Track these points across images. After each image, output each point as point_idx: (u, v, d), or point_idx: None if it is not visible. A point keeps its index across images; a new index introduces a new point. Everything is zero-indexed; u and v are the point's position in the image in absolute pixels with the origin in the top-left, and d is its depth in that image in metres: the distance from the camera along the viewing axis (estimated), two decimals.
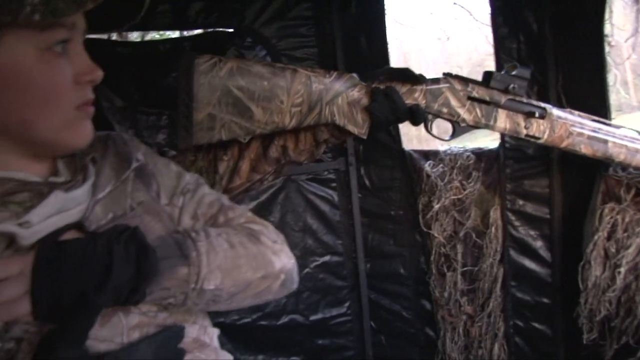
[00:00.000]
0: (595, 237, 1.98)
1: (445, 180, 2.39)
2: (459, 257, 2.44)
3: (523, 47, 2.18)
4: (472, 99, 1.44)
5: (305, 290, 2.58)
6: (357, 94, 1.35)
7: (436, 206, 2.42)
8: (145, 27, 2.61)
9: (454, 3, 7.01)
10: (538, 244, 2.29)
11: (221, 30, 2.47)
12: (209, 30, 2.50)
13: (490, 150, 2.38)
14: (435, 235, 2.46)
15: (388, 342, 2.71)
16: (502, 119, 1.47)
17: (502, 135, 2.26)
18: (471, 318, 2.49)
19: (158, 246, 0.76)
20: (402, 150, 2.53)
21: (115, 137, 0.90)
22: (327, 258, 2.65)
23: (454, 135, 1.49)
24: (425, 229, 2.49)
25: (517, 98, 1.47)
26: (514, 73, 1.45)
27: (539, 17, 2.10)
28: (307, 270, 2.59)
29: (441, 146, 2.54)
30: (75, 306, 0.66)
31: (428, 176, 2.44)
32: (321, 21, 2.54)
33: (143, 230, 0.78)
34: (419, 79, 1.39)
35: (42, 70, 0.68)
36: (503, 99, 1.45)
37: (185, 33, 2.87)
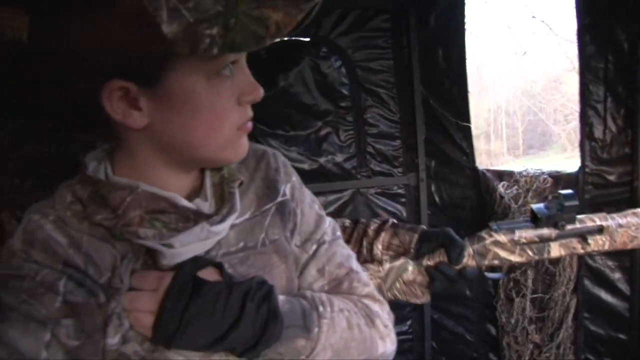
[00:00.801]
0: None
1: (520, 202, 2.31)
2: (529, 283, 2.34)
3: (611, 67, 2.08)
4: (521, 244, 1.41)
5: None
6: (411, 275, 1.43)
7: None
8: None
9: (533, 17, 6.82)
10: (616, 275, 2.17)
11: (297, 39, 2.48)
12: (285, 38, 2.51)
13: (569, 174, 2.27)
14: None
15: None
16: (556, 249, 1.43)
17: (582, 158, 2.17)
18: (538, 348, 2.39)
19: (286, 312, 0.77)
20: (475, 169, 2.46)
21: (270, 159, 0.90)
22: None
23: (508, 273, 1.45)
24: None
25: (569, 226, 1.40)
26: (558, 209, 1.38)
27: (631, 35, 2.00)
28: None
29: (516, 166, 2.46)
30: (190, 343, 0.69)
31: (501, 197, 2.36)
32: (398, 33, 2.52)
33: (268, 269, 0.81)
34: (462, 254, 1.41)
35: (210, 94, 0.69)
36: (553, 234, 1.40)
37: None
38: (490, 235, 1.42)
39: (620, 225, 1.40)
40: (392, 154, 2.58)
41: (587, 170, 2.16)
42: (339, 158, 2.54)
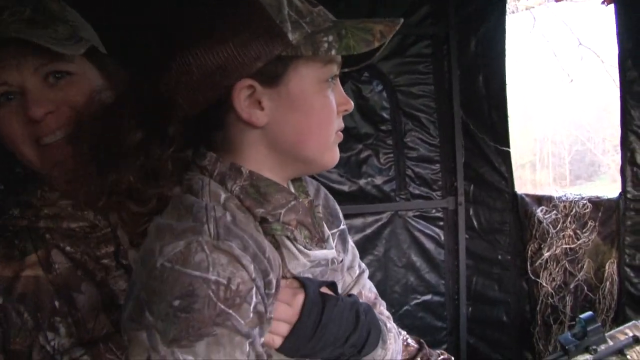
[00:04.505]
0: None
1: (558, 227, 2.30)
2: (568, 309, 2.32)
3: None
4: None
5: (404, 328, 2.54)
6: None
7: (546, 254, 2.32)
8: None
9: (579, 44, 6.73)
10: None
11: None
12: None
13: (609, 200, 2.26)
14: (544, 284, 2.35)
15: None
16: None
17: (623, 184, 2.15)
18: None
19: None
20: (514, 194, 2.47)
21: (325, 192, 1.01)
22: (428, 297, 2.61)
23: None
24: (532, 277, 2.39)
25: (602, 347, 1.38)
26: (583, 334, 1.35)
27: None
28: (406, 307, 2.56)
29: (555, 191, 2.45)
30: (317, 348, 0.78)
31: (539, 222, 2.36)
32: (439, 59, 2.56)
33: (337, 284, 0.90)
34: None
35: (320, 98, 0.80)
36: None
37: None
38: None
39: None
40: (431, 177, 2.60)
41: (628, 196, 2.15)
42: (379, 180, 2.57)
